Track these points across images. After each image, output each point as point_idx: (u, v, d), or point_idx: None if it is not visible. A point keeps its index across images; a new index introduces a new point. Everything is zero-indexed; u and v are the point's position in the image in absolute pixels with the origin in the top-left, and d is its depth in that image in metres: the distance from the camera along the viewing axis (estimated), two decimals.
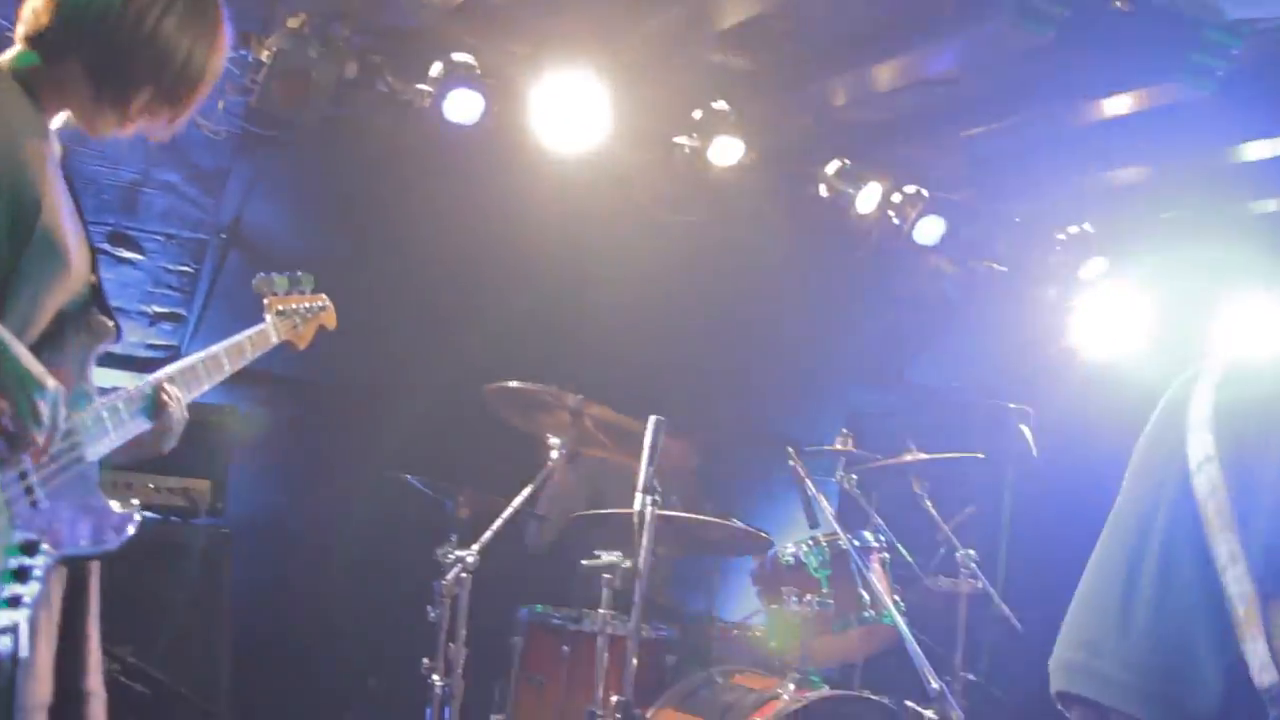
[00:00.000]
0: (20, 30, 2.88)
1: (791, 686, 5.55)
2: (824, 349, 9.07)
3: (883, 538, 6.31)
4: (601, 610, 5.51)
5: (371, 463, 6.90)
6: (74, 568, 2.88)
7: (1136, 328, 8.43)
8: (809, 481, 5.96)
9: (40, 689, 2.77)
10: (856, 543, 6.00)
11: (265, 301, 3.85)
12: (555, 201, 6.96)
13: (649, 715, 5.57)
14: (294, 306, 3.93)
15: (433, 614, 5.66)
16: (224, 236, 7.15)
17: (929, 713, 5.42)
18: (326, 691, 7.22)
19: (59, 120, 2.93)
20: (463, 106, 6.38)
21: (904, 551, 6.53)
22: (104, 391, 2.98)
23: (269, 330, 3.78)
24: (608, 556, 5.56)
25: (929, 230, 7.70)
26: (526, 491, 5.86)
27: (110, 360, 3.10)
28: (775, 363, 8.73)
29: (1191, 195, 7.74)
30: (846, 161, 7.56)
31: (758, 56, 6.71)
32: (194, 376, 3.29)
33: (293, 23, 6.01)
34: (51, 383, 2.67)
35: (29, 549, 2.72)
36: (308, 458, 7.65)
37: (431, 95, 6.36)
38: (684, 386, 7.64)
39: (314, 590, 7.33)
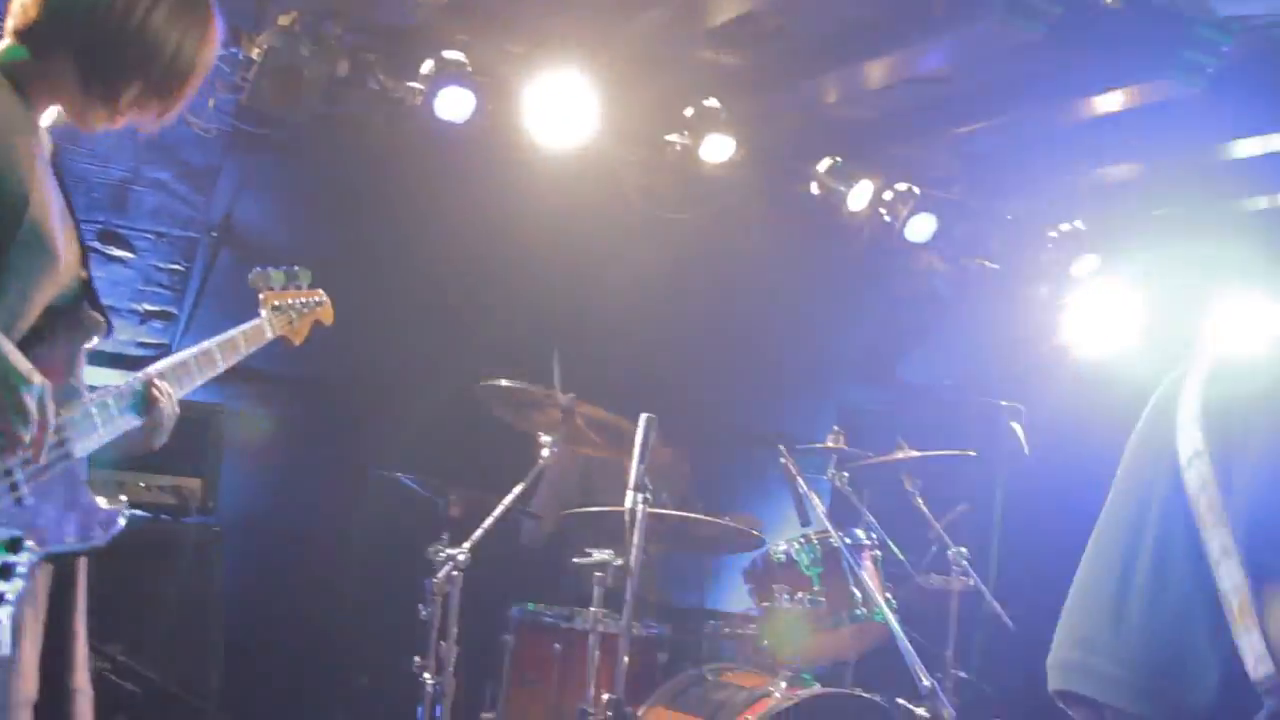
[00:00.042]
0: (8, 24, 2.86)
1: (783, 684, 5.54)
2: (816, 346, 9.08)
3: (874, 535, 6.30)
4: (593, 608, 5.50)
5: (363, 461, 6.90)
6: (61, 564, 2.87)
7: (1128, 325, 8.44)
8: (800, 479, 5.96)
9: (25, 686, 2.76)
10: (848, 540, 5.99)
11: (261, 296, 3.79)
12: (546, 199, 6.95)
13: (640, 713, 5.57)
14: (290, 301, 3.86)
15: (424, 612, 5.65)
16: (215, 234, 7.14)
17: (921, 710, 5.42)
18: (317, 689, 7.21)
19: (49, 115, 2.92)
20: (454, 104, 6.38)
21: (895, 549, 6.53)
22: (94, 389, 2.97)
23: (264, 325, 3.72)
24: (599, 554, 5.55)
25: (920, 228, 7.71)
26: (518, 489, 5.85)
27: (101, 358, 3.09)
28: (767, 360, 8.73)
29: (1183, 192, 7.75)
30: (838, 159, 7.56)
31: (749, 54, 6.71)
32: (186, 372, 3.26)
33: (284, 20, 6.01)
34: (38, 379, 2.67)
35: (13, 546, 2.71)
36: (299, 456, 7.64)
37: (423, 93, 6.36)
38: (675, 384, 7.64)
39: (305, 588, 7.32)
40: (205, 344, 3.39)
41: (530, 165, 6.76)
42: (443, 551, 5.70)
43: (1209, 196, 7.73)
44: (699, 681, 5.77)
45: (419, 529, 6.11)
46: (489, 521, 5.75)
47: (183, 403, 3.22)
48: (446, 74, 6.33)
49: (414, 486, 6.24)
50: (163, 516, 6.33)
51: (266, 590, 7.29)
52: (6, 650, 2.68)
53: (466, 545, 5.66)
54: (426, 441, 7.11)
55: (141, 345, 7.16)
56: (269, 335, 3.74)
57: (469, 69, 6.37)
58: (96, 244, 6.80)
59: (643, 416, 5.16)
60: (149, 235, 6.96)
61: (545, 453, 5.93)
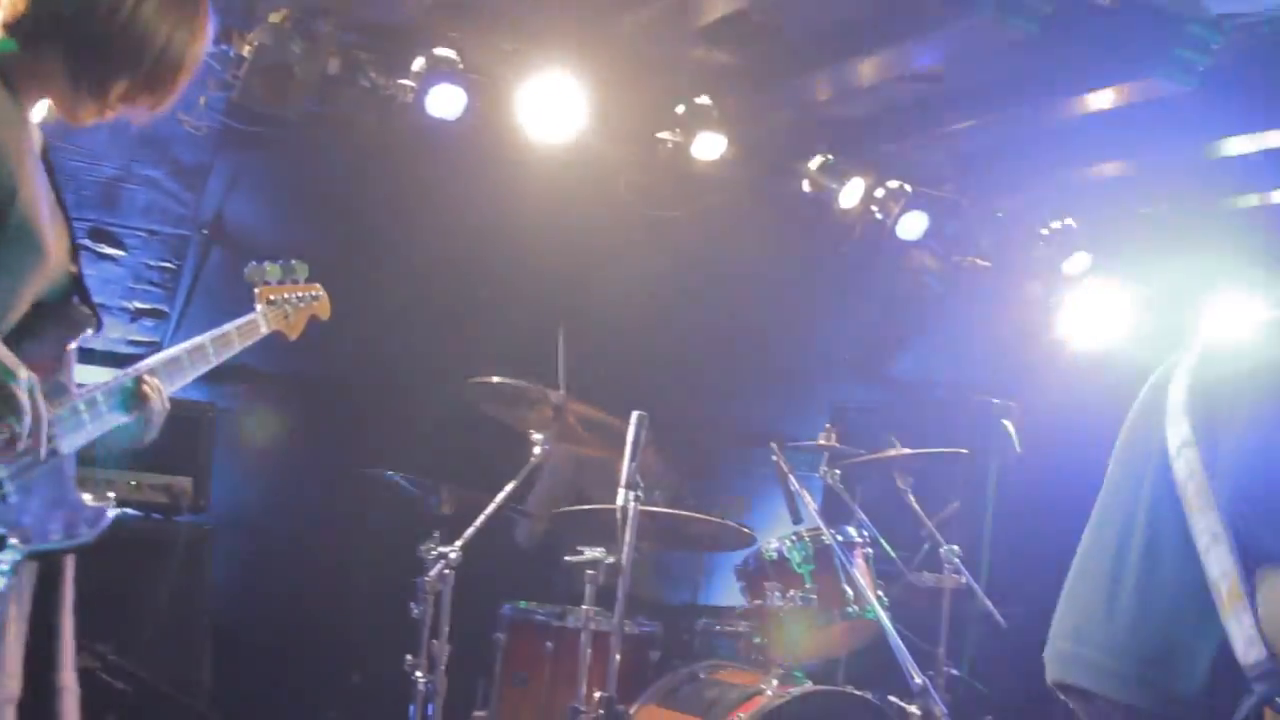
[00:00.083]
0: None
1: (775, 682, 5.54)
2: (807, 344, 9.08)
3: (866, 533, 6.30)
4: (585, 606, 5.50)
5: (354, 459, 6.88)
6: (46, 562, 2.85)
7: (1120, 322, 8.45)
8: (792, 477, 5.96)
9: (9, 684, 2.76)
10: (840, 538, 5.99)
11: (256, 291, 3.74)
12: (538, 197, 6.95)
13: (633, 711, 5.56)
14: (285, 296, 3.82)
15: (416, 610, 5.65)
16: (206, 232, 7.13)
17: (912, 708, 5.42)
18: (309, 688, 7.20)
19: (40, 110, 2.91)
20: (445, 102, 6.37)
21: (887, 547, 6.53)
22: (82, 387, 2.95)
23: (258, 320, 3.68)
24: (591, 552, 5.55)
25: (912, 226, 7.71)
26: (510, 487, 5.85)
27: (92, 356, 3.08)
28: (758, 358, 8.73)
29: (1174, 190, 7.76)
30: (829, 157, 7.56)
31: (740, 51, 6.70)
32: (177, 368, 3.24)
33: (275, 18, 6.00)
34: (24, 372, 2.66)
35: None
36: (290, 454, 7.63)
37: (414, 91, 6.35)
38: (667, 382, 7.64)
39: (296, 587, 7.31)
40: (198, 339, 3.36)
41: (522, 163, 6.75)
42: (434, 550, 5.70)
43: (1200, 194, 7.74)
44: (691, 679, 5.77)
45: (411, 527, 6.10)
46: (481, 520, 5.75)
47: (174, 401, 3.20)
48: (438, 71, 6.32)
49: (406, 485, 6.23)
50: (154, 515, 6.32)
51: (257, 589, 7.29)
52: None
53: (458, 543, 5.66)
54: (418, 439, 7.10)
55: (132, 343, 7.15)
56: (264, 330, 3.70)
57: (460, 66, 6.36)
58: (87, 242, 6.78)
59: (634, 414, 5.16)
60: (140, 233, 6.95)
61: (537, 450, 5.93)
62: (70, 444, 2.87)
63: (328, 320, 4.10)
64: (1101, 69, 6.22)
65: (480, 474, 6.19)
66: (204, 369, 3.36)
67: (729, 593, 6.74)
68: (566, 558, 5.72)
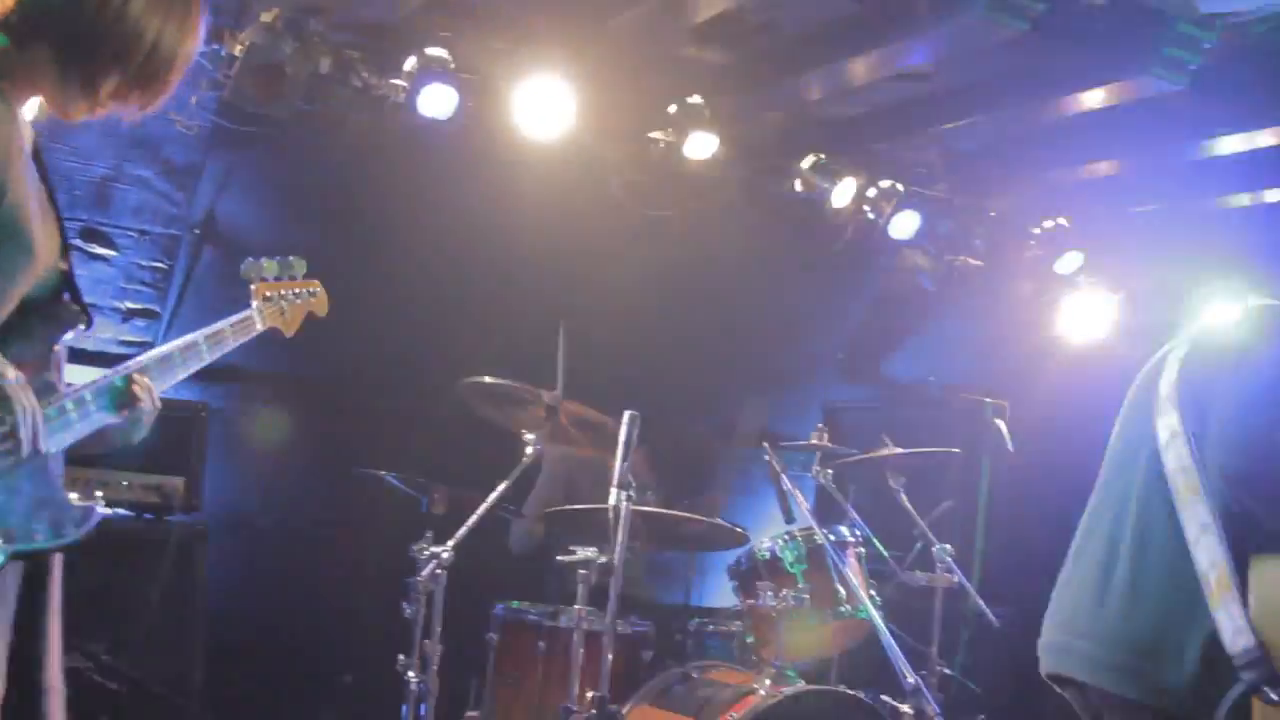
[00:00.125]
0: None
1: (767, 681, 5.54)
2: (799, 344, 9.08)
3: (858, 532, 6.30)
4: (577, 606, 5.49)
5: (346, 459, 6.88)
6: (33, 562, 2.84)
7: (1112, 322, 8.46)
8: (785, 476, 5.96)
9: None
10: (832, 538, 5.99)
11: (253, 287, 3.66)
12: (530, 196, 6.94)
13: (625, 711, 5.56)
14: (282, 292, 3.75)
15: (408, 611, 5.64)
16: (197, 232, 7.12)
17: (905, 707, 5.41)
18: (301, 689, 7.20)
19: (32, 107, 2.90)
20: (437, 101, 6.37)
21: (879, 546, 6.53)
22: (70, 387, 2.94)
23: (253, 316, 3.61)
24: (583, 552, 5.55)
25: (904, 225, 7.71)
26: (502, 487, 5.85)
27: (83, 357, 3.06)
28: (751, 357, 8.73)
29: (1165, 189, 7.77)
30: (821, 156, 7.57)
31: (732, 51, 6.71)
32: (169, 366, 3.19)
33: (266, 17, 5.99)
34: (12, 371, 2.65)
35: None
36: (283, 454, 7.62)
37: (406, 90, 6.34)
38: (659, 381, 7.63)
39: (289, 587, 7.31)
40: (191, 336, 3.30)
41: (514, 163, 6.75)
42: (427, 550, 5.69)
43: (1191, 193, 7.76)
44: (684, 679, 5.77)
45: (403, 527, 6.10)
46: (473, 519, 5.75)
47: (166, 401, 3.17)
48: (429, 71, 6.31)
49: (398, 484, 6.23)
50: (146, 515, 6.32)
51: (250, 589, 7.27)
52: None
53: (450, 543, 5.66)
54: (410, 439, 7.10)
55: (124, 343, 7.14)
56: (259, 327, 3.63)
57: (452, 66, 6.35)
58: (78, 242, 6.77)
59: (626, 414, 5.16)
60: (131, 233, 6.94)
61: (529, 451, 5.93)
62: (57, 443, 2.85)
63: (322, 320, 4.08)
64: (1093, 68, 6.23)
65: (473, 474, 6.18)
66: (197, 366, 3.30)
67: (722, 592, 6.74)
68: (559, 557, 5.72)
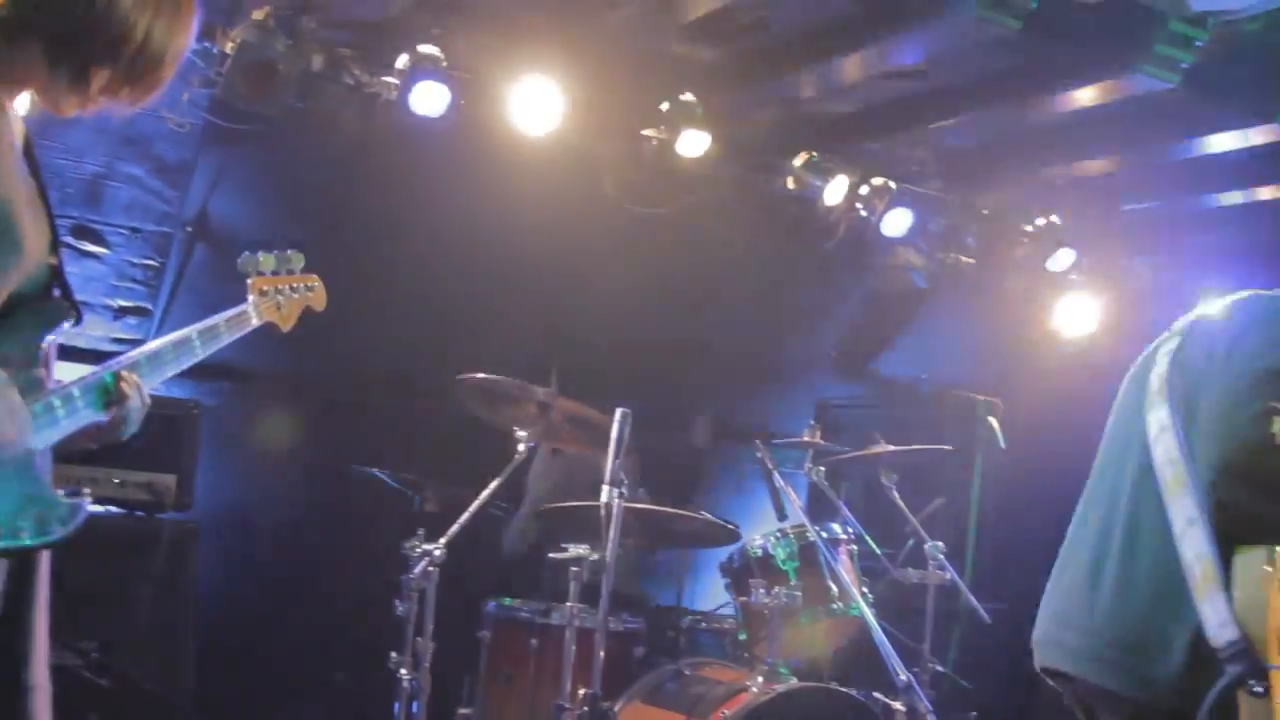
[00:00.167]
0: None
1: (760, 679, 5.54)
2: (792, 341, 9.08)
3: (851, 530, 6.31)
4: (569, 603, 5.49)
5: (339, 457, 6.88)
6: (17, 559, 2.82)
7: (1104, 319, 8.47)
8: (777, 474, 5.96)
9: None
10: (825, 535, 5.99)
11: (249, 282, 3.60)
12: (522, 194, 6.94)
13: (617, 708, 5.56)
14: (279, 287, 3.69)
15: (400, 608, 5.63)
16: (189, 230, 7.11)
17: (897, 704, 5.42)
18: (293, 686, 7.19)
19: (23, 103, 2.89)
20: (429, 99, 6.36)
21: (872, 543, 6.54)
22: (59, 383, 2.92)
23: (249, 311, 3.54)
24: (575, 549, 5.55)
25: (897, 222, 7.71)
26: (494, 484, 5.84)
27: (75, 354, 3.04)
28: (744, 355, 8.73)
29: (1158, 187, 7.78)
30: (814, 154, 7.57)
31: (725, 49, 6.71)
32: (160, 362, 3.14)
33: (258, 15, 5.99)
34: None
35: None
36: (274, 452, 7.62)
37: (398, 88, 6.34)
38: (651, 379, 7.63)
39: (281, 585, 7.30)
40: (183, 331, 3.24)
41: (506, 160, 6.75)
42: (419, 547, 5.68)
43: (1183, 191, 7.77)
44: (676, 676, 5.77)
45: (395, 525, 6.10)
46: (465, 517, 5.74)
47: (158, 398, 3.12)
48: (421, 68, 6.31)
49: (390, 482, 6.22)
50: (137, 513, 6.31)
51: (242, 587, 7.27)
52: None
53: (442, 541, 5.65)
54: (403, 437, 7.10)
55: (116, 341, 7.13)
56: (255, 322, 3.57)
57: (444, 63, 6.35)
58: (70, 239, 6.76)
59: (618, 411, 5.16)
60: (123, 230, 6.93)
61: (521, 448, 5.92)
62: (44, 440, 2.82)
63: (315, 317, 4.05)
64: (1085, 66, 6.23)
65: (465, 472, 6.18)
66: (190, 362, 3.25)
67: (714, 590, 6.74)
68: (551, 555, 5.71)
